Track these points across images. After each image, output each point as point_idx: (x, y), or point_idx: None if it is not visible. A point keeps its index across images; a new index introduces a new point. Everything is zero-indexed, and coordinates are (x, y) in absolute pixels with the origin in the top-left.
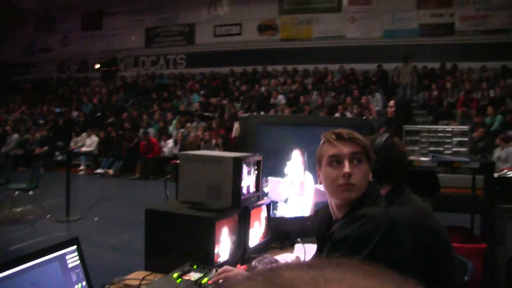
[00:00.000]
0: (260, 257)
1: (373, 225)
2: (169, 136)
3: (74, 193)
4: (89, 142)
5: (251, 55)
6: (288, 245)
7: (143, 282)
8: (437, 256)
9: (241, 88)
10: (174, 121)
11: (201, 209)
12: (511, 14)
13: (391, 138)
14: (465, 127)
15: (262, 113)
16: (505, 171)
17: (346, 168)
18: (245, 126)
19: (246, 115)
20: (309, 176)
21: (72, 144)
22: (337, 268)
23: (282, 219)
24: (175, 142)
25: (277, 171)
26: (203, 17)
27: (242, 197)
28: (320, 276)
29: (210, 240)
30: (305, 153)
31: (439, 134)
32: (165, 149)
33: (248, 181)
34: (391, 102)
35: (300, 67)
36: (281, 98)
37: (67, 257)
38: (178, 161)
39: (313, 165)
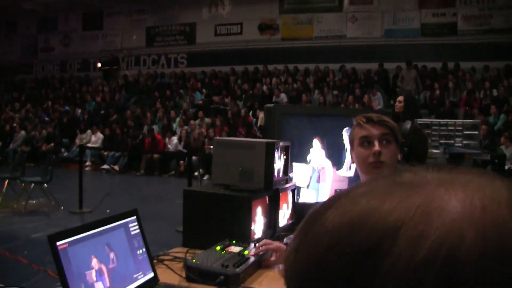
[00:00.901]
0: (291, 235)
1: None
2: (173, 133)
3: (84, 187)
4: (94, 139)
5: (252, 54)
6: None
7: (188, 255)
8: None
9: (243, 86)
10: (178, 119)
11: (236, 190)
12: None
13: (414, 124)
14: (476, 120)
15: None
16: None
17: (376, 147)
18: (269, 116)
19: (271, 105)
20: (329, 163)
21: (77, 141)
22: (452, 172)
23: (305, 204)
24: (180, 139)
25: (300, 158)
26: (204, 16)
27: (273, 180)
28: (443, 177)
29: (247, 218)
30: (325, 142)
31: (449, 128)
32: (170, 146)
33: (278, 165)
34: (400, 97)
35: (301, 66)
36: (283, 97)
37: (130, 225)
38: (211, 146)
39: (332, 152)
